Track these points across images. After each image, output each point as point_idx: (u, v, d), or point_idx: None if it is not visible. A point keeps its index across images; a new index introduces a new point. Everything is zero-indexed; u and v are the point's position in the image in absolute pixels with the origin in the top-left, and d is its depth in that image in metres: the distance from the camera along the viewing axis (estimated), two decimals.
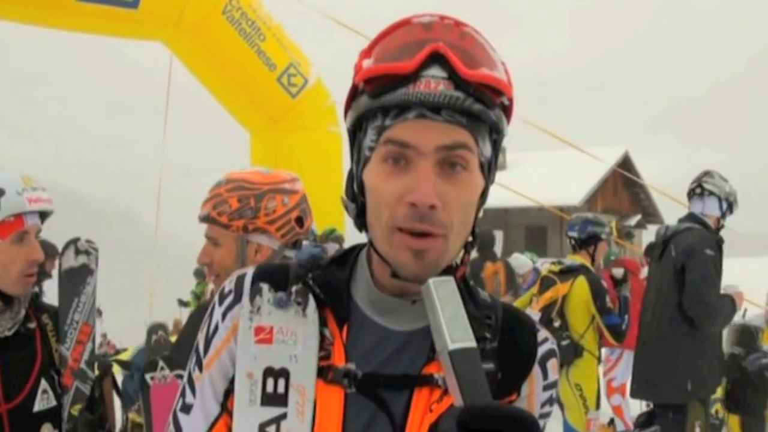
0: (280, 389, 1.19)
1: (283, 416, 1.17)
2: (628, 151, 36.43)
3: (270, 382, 1.19)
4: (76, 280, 2.61)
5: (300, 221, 2.49)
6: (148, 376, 2.40)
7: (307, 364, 1.19)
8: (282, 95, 9.17)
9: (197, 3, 8.62)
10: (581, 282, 6.02)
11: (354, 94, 1.18)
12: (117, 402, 3.86)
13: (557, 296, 6.11)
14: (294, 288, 1.25)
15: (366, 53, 1.17)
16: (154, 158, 10.40)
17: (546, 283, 6.29)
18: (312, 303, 1.23)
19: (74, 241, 2.67)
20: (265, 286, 1.26)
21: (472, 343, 1.01)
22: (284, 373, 1.19)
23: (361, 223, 1.25)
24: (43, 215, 2.43)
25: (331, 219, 7.66)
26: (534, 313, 6.17)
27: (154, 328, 9.04)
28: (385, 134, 1.13)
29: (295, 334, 1.21)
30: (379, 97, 1.12)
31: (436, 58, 1.09)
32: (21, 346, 2.40)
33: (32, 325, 2.45)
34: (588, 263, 6.20)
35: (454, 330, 1.01)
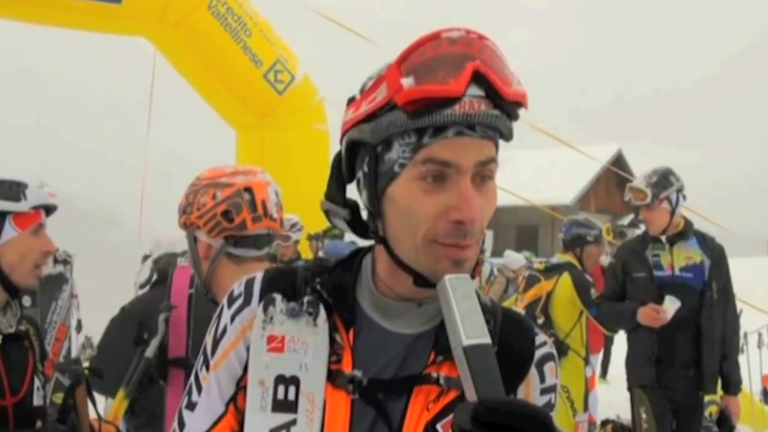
0: (291, 396, 1.22)
1: (293, 422, 1.21)
2: (621, 150, 36.47)
3: (281, 389, 1.23)
4: (53, 286, 2.80)
5: (227, 215, 2.36)
6: None
7: (316, 372, 1.23)
8: (268, 92, 9.08)
9: None
10: (565, 278, 6.02)
11: (381, 108, 1.18)
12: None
13: (541, 293, 6.14)
14: (306, 299, 1.27)
15: (396, 69, 1.16)
16: (138, 157, 10.26)
17: (531, 281, 6.32)
18: (323, 313, 1.26)
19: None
20: (278, 297, 1.29)
21: (486, 340, 1.04)
22: (295, 381, 1.23)
23: (364, 231, 1.28)
24: (48, 212, 2.55)
25: (319, 217, 7.55)
26: (519, 311, 6.12)
27: None
28: (424, 153, 1.15)
29: (306, 343, 1.24)
30: (420, 117, 1.13)
31: (476, 77, 1.12)
32: (18, 345, 2.47)
33: (23, 327, 2.52)
34: (575, 262, 6.15)
35: (470, 326, 1.04)
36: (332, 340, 1.25)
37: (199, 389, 1.33)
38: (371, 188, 1.23)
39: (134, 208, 9.81)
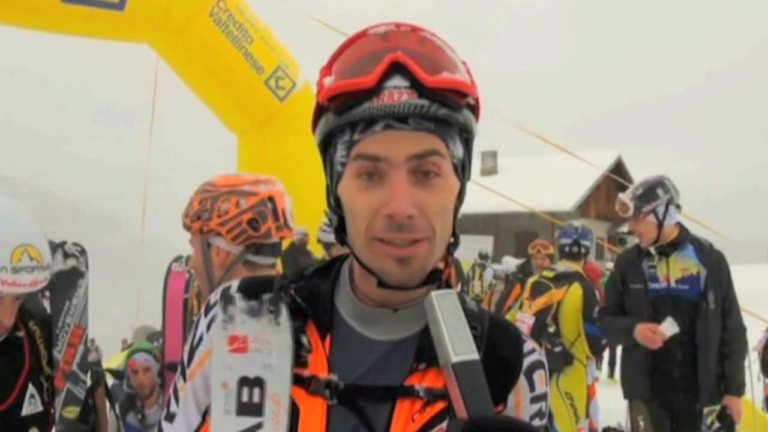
0: (256, 398, 1.18)
1: (259, 425, 1.17)
2: (621, 157, 36.46)
3: (245, 391, 1.19)
4: (66, 283, 2.62)
5: (253, 224, 2.38)
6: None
7: (282, 373, 1.19)
8: (269, 98, 9.10)
9: (183, 5, 8.53)
10: (576, 289, 5.99)
11: (319, 112, 1.17)
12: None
13: (552, 302, 6.07)
14: (266, 297, 1.24)
15: (326, 70, 1.15)
16: (140, 161, 10.29)
17: (539, 289, 6.23)
18: (284, 312, 1.23)
19: (61, 245, 2.65)
20: (237, 296, 1.26)
21: (474, 356, 1.05)
22: (259, 383, 1.19)
23: (340, 236, 1.24)
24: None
25: (318, 222, 7.58)
26: (527, 317, 6.09)
27: (155, 335, 8.85)
28: (355, 149, 1.12)
29: (270, 343, 1.21)
30: (344, 113, 1.11)
31: (397, 68, 1.08)
32: (9, 353, 2.40)
33: (20, 333, 2.45)
34: (582, 271, 6.17)
35: (457, 342, 1.05)
36: (302, 346, 1.21)
37: (177, 400, 1.31)
38: (332, 190, 1.22)
39: (136, 212, 9.82)
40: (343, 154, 1.14)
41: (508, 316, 6.48)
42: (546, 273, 6.36)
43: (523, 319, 6.15)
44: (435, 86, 1.09)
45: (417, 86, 1.08)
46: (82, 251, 2.68)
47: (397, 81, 1.08)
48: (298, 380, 1.20)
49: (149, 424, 4.83)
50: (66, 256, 2.65)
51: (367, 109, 1.08)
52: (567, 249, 6.34)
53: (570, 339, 6.01)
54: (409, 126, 1.10)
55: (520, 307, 6.41)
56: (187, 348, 1.32)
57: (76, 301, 2.64)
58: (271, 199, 2.41)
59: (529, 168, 36.07)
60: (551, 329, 5.99)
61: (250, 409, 1.18)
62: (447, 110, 1.11)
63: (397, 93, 1.08)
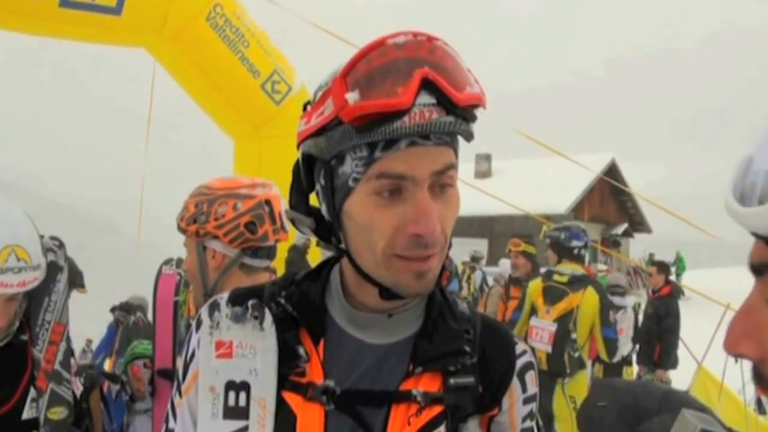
0: (242, 402, 1.20)
1: (245, 429, 1.19)
2: (615, 159, 36.52)
3: (232, 395, 1.21)
4: (45, 279, 2.48)
5: (251, 227, 2.38)
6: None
7: (267, 377, 1.21)
8: (266, 102, 9.09)
9: (180, 9, 8.53)
10: (591, 293, 5.96)
11: (330, 122, 1.12)
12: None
13: (572, 306, 6.02)
14: (250, 303, 1.25)
15: (341, 82, 1.10)
16: (137, 165, 10.31)
17: (555, 293, 6.16)
18: (269, 317, 1.24)
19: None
20: (221, 302, 1.28)
21: None
22: (245, 387, 1.21)
23: (335, 243, 1.24)
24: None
25: None
26: (548, 324, 6.04)
27: (132, 308, 8.70)
28: (376, 167, 1.10)
29: (254, 348, 1.22)
30: (369, 132, 1.07)
31: (425, 85, 1.06)
32: (12, 356, 2.39)
33: (24, 337, 2.44)
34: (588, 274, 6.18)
35: None
36: (295, 354, 1.22)
37: (174, 416, 1.32)
38: (329, 202, 1.19)
39: (133, 216, 9.83)
40: (359, 171, 1.12)
41: (516, 330, 6.35)
42: (557, 277, 6.24)
43: (543, 326, 6.07)
44: (464, 103, 1.09)
45: (444, 102, 1.07)
46: (60, 245, 2.60)
47: (425, 98, 1.06)
48: (295, 387, 1.21)
49: (136, 410, 4.89)
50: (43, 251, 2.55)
51: (399, 129, 1.06)
52: (576, 251, 6.31)
53: (581, 343, 6.00)
54: (432, 142, 1.10)
55: (534, 314, 6.31)
56: (181, 362, 1.33)
57: (55, 297, 2.53)
58: (268, 202, 2.41)
59: (522, 171, 36.11)
60: (573, 336, 5.97)
61: (236, 412, 1.20)
62: (467, 124, 1.13)
63: (428, 111, 1.07)
